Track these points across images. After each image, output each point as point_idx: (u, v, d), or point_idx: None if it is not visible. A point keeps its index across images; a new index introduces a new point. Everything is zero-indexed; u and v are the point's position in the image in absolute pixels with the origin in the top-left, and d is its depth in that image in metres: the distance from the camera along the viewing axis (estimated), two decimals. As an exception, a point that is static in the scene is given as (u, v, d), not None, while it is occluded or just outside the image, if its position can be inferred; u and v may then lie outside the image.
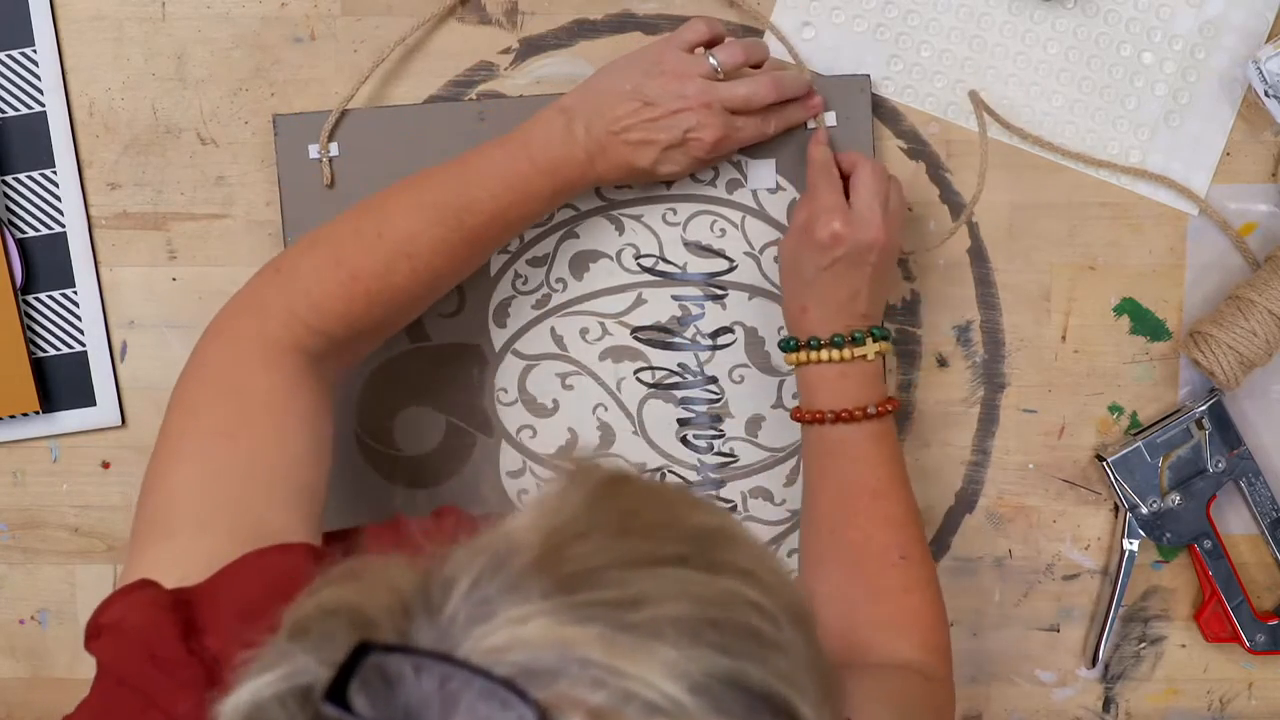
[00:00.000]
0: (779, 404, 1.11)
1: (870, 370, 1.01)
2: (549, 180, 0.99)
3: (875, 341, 1.01)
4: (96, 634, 0.79)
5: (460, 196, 0.98)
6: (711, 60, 1.02)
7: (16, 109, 1.09)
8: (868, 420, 1.00)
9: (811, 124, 1.08)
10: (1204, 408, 1.10)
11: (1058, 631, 1.14)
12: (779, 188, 1.10)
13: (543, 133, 1.00)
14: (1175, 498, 1.10)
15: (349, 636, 0.50)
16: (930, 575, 1.00)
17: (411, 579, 0.54)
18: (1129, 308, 1.12)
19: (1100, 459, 1.10)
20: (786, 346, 1.02)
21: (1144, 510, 1.10)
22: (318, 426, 0.93)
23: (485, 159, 0.99)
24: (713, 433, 1.11)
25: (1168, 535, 1.11)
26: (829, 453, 1.01)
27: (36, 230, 1.09)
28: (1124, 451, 1.10)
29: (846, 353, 1.00)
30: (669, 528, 0.56)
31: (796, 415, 1.03)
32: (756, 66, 1.06)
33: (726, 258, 1.10)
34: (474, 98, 1.10)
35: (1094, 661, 1.13)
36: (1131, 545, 1.10)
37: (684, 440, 1.11)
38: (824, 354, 1.00)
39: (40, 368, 1.10)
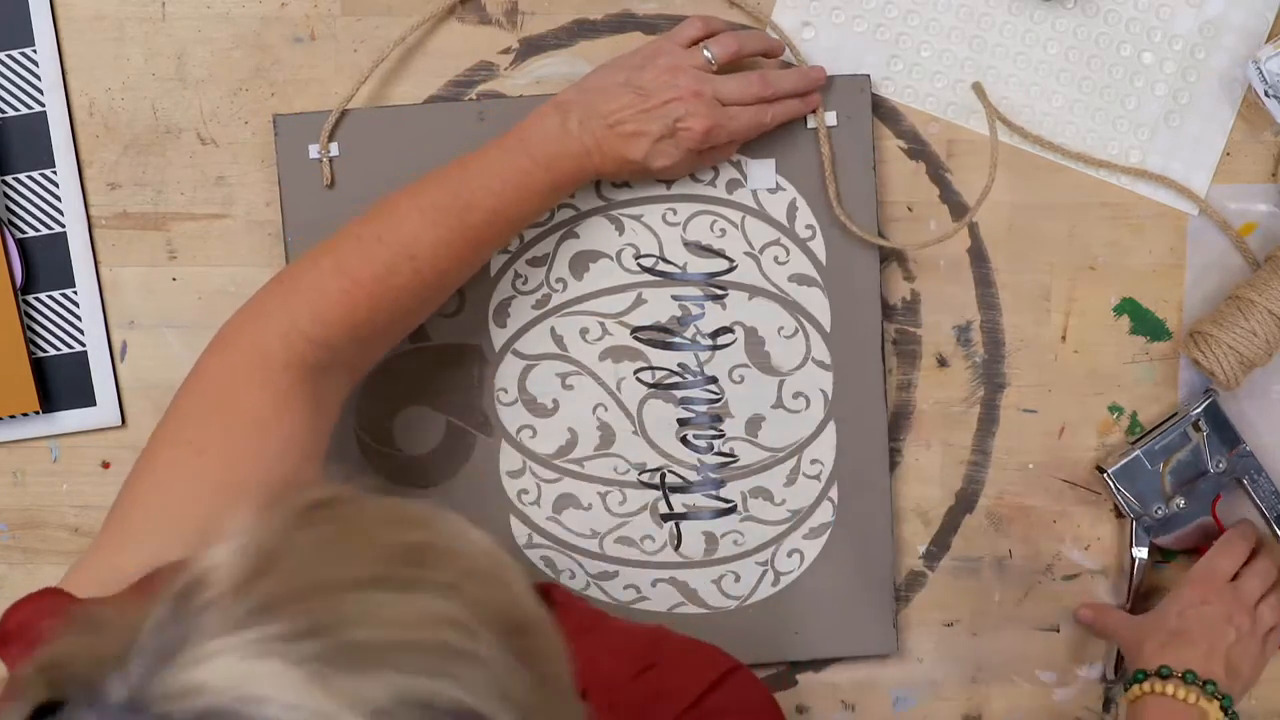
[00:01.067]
0: (779, 404, 1.11)
1: None
2: (548, 175, 0.99)
3: (1224, 711, 1.01)
4: (4, 640, 0.79)
5: (460, 196, 0.98)
6: (705, 53, 1.03)
7: (16, 109, 1.08)
8: None
9: (811, 122, 1.08)
10: (1200, 410, 1.10)
11: (1058, 631, 1.14)
12: (779, 187, 1.10)
13: (539, 128, 1.00)
14: (1180, 502, 1.10)
15: (39, 695, 0.49)
16: None
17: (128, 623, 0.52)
18: (1129, 308, 1.12)
19: (1101, 470, 1.10)
20: (1137, 677, 1.02)
21: (1149, 518, 1.10)
22: (301, 448, 0.91)
23: (483, 158, 1.00)
24: (713, 433, 1.11)
25: (1175, 540, 1.11)
26: None
27: (36, 230, 1.09)
28: (1124, 461, 1.10)
29: (1190, 694, 1.00)
30: (367, 550, 0.54)
31: None
32: (768, 56, 1.07)
33: (726, 258, 1.10)
34: (474, 98, 1.10)
35: (1116, 670, 1.12)
36: (1140, 553, 1.10)
37: (684, 440, 1.11)
38: (1178, 690, 1.00)
39: (40, 368, 1.10)
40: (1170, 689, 0.99)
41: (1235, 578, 1.07)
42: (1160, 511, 1.09)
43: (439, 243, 0.97)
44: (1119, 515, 1.12)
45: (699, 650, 0.99)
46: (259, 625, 0.49)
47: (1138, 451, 1.10)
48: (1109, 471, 1.09)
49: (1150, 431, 1.11)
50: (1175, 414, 1.11)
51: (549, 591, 1.00)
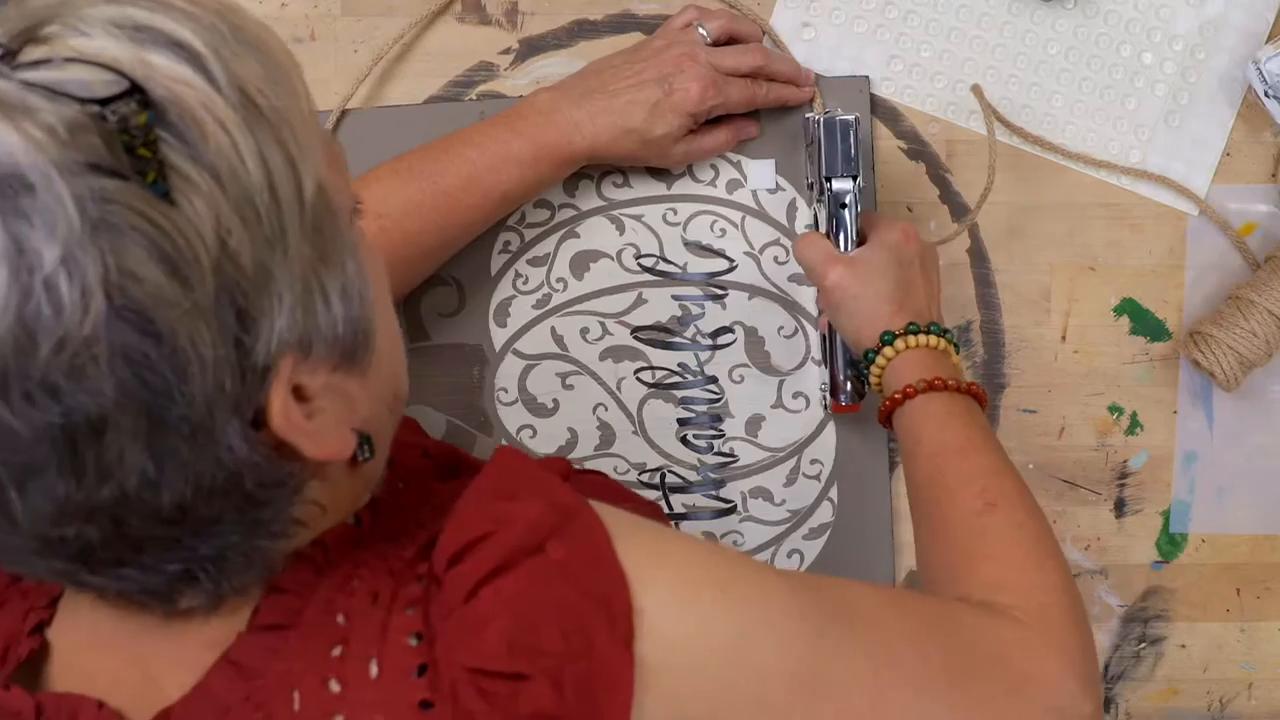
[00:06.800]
0: (779, 404, 1.11)
1: (948, 359, 0.97)
2: (529, 146, 1.00)
3: (940, 337, 0.97)
4: None
5: (436, 161, 1.00)
6: (701, 30, 1.05)
7: (16, 109, 1.08)
8: (958, 392, 0.93)
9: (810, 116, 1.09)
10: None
11: (1058, 631, 1.14)
12: (779, 188, 1.10)
13: (528, 104, 1.02)
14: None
15: None
16: (1020, 519, 0.86)
17: None
18: (1129, 308, 1.12)
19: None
20: (886, 340, 0.96)
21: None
22: None
23: (470, 130, 1.02)
24: (713, 433, 1.11)
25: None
26: (919, 426, 0.93)
27: (36, 230, 1.09)
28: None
29: (934, 340, 0.96)
30: None
31: (890, 404, 0.94)
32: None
33: (726, 258, 1.10)
34: (474, 98, 1.10)
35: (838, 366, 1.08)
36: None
37: (684, 440, 1.11)
38: (923, 339, 0.96)
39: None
40: (918, 342, 0.95)
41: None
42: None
43: (408, 203, 0.99)
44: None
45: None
46: None
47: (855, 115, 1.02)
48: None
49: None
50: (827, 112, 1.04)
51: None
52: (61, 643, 0.69)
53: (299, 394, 0.62)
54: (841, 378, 1.07)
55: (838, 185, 1.02)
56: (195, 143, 0.57)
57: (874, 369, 0.97)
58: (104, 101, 0.55)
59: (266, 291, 0.59)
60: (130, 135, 0.55)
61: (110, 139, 0.55)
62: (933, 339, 0.96)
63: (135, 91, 0.56)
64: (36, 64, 0.56)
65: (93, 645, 0.67)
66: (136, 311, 0.55)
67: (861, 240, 1.02)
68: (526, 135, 1.01)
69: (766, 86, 1.06)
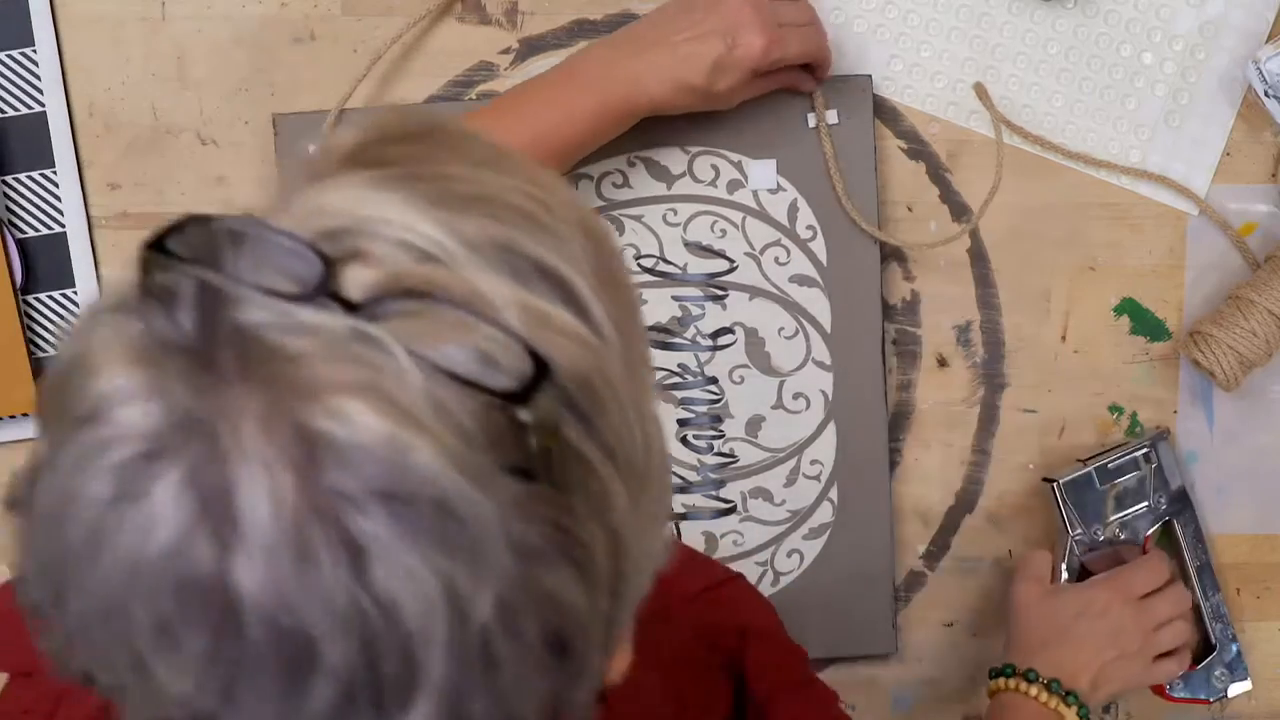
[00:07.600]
0: (779, 404, 1.11)
1: None
2: (593, 100, 0.98)
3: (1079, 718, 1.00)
4: None
5: (500, 120, 0.97)
6: None
7: (16, 109, 1.08)
8: None
9: (812, 121, 1.08)
10: (1148, 442, 1.09)
11: (1057, 631, 1.14)
12: (780, 188, 1.10)
13: (584, 58, 1.00)
14: (1116, 527, 1.08)
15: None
16: None
17: None
18: (1129, 308, 1.12)
19: (1048, 481, 1.09)
20: (1005, 673, 1.02)
21: (1088, 537, 1.08)
22: None
23: (529, 86, 1.00)
24: (713, 433, 1.11)
25: (1092, 559, 1.09)
26: None
27: (36, 230, 1.09)
28: (1075, 475, 1.08)
29: (1045, 696, 0.99)
30: (471, 145, 0.54)
31: None
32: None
33: (727, 258, 1.10)
34: (474, 98, 1.10)
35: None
36: (1068, 570, 1.08)
37: (684, 440, 1.11)
38: (1033, 690, 0.99)
39: (40, 368, 1.10)
40: (1033, 692, 0.99)
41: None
42: (1100, 533, 1.08)
43: None
44: (1062, 541, 1.10)
45: (699, 556, 0.99)
46: (377, 168, 0.50)
47: (1090, 469, 1.08)
48: (1059, 482, 1.08)
49: (1102, 453, 1.09)
50: (1127, 441, 1.10)
51: None
52: None
53: None
54: None
55: (1075, 533, 1.08)
56: (592, 418, 0.47)
57: (989, 685, 1.02)
58: (519, 396, 0.44)
59: (633, 558, 0.50)
60: (545, 430, 0.45)
61: (522, 437, 0.45)
62: (1045, 694, 0.99)
63: (543, 370, 0.45)
64: (402, 313, 0.45)
65: None
66: (559, 640, 0.46)
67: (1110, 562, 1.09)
68: (590, 91, 0.98)
69: (820, 41, 1.04)
